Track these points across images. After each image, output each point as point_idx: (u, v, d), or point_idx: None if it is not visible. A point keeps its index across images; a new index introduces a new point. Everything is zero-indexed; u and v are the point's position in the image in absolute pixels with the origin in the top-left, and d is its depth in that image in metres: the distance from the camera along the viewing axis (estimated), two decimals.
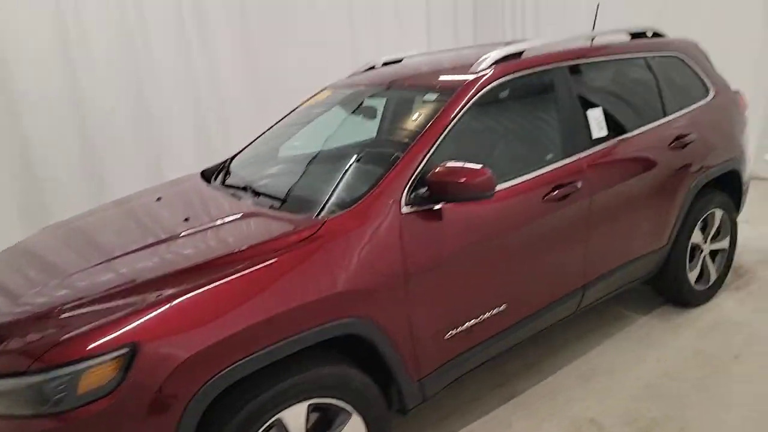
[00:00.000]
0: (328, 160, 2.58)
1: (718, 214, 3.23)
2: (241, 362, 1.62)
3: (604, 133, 2.66)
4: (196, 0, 4.78)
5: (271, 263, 1.73)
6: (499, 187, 2.18)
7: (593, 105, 2.67)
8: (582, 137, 2.59)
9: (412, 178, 2.03)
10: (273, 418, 1.72)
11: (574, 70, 2.68)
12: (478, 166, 1.92)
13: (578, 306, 2.70)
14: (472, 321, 2.20)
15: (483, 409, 2.53)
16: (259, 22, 5.10)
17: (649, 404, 2.47)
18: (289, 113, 3.13)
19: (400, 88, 2.69)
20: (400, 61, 3.24)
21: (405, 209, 1.98)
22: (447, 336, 2.13)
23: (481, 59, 2.41)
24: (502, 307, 2.30)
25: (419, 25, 6.38)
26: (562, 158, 2.51)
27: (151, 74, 4.59)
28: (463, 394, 2.64)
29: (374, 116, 2.92)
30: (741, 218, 3.46)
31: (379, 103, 2.93)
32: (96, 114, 4.35)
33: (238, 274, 1.67)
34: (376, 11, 5.88)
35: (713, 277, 3.31)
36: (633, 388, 2.59)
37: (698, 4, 5.29)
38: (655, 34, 3.16)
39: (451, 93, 2.25)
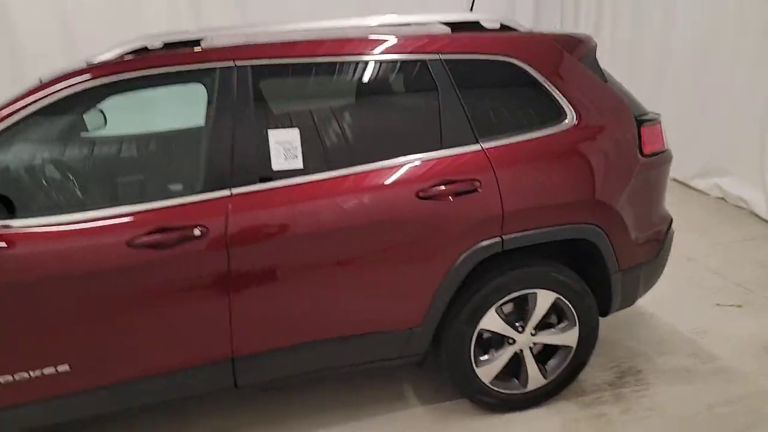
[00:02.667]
0: None
1: (545, 297, 2.18)
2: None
3: (296, 164, 1.92)
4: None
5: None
6: (59, 219, 1.77)
7: (285, 125, 2.00)
8: (246, 166, 1.91)
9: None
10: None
11: (267, 72, 2.02)
12: None
13: (234, 380, 2.02)
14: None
15: None
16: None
17: None
18: None
19: None
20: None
21: None
22: None
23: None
24: (62, 367, 1.82)
25: None
26: (187, 192, 1.95)
27: None
28: None
29: None
30: (732, 302, 2.99)
31: None
32: None
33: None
34: None
35: (537, 380, 2.29)
36: None
37: None
38: (504, 27, 2.27)
39: None
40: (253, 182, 1.89)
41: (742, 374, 2.49)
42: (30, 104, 1.77)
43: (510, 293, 2.15)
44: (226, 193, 1.86)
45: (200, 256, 1.82)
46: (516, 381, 2.32)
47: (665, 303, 2.98)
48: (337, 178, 1.96)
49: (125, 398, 1.95)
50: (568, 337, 2.29)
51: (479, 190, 2.02)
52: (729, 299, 3.08)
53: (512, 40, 2.20)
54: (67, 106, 1.88)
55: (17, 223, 1.74)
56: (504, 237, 2.07)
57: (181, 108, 2.24)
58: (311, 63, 2.05)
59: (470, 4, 2.90)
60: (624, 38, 5.44)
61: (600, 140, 2.21)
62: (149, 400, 2.01)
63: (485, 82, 2.19)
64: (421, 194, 1.97)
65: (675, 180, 4.71)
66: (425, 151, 2.04)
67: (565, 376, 2.36)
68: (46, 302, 1.76)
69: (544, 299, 2.21)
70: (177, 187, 2.00)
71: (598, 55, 2.34)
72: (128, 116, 2.22)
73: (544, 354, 2.34)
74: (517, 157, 2.10)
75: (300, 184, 1.92)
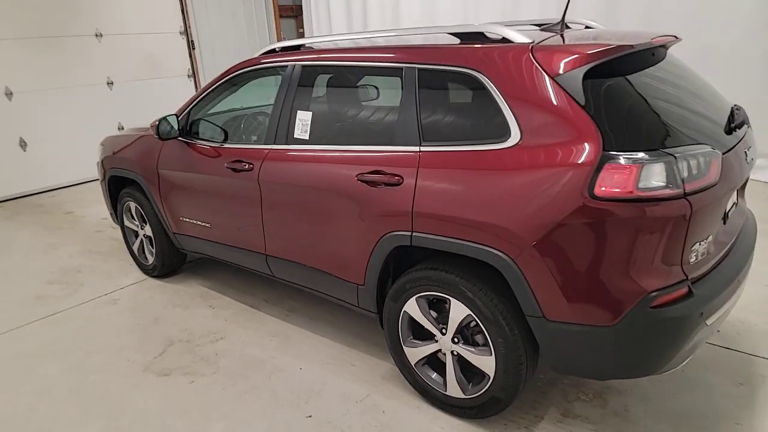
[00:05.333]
0: None
1: (458, 308, 2.19)
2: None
3: (305, 136, 2.70)
4: None
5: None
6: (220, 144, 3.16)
7: (311, 107, 2.75)
8: (283, 132, 2.79)
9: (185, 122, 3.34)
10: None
11: (319, 70, 2.78)
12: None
13: (269, 270, 3.07)
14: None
15: None
16: None
17: None
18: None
19: None
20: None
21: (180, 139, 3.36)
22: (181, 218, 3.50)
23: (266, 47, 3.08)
24: (207, 224, 3.32)
25: None
26: (259, 142, 2.95)
27: None
28: None
29: None
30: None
31: None
32: None
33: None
34: None
35: (456, 390, 2.32)
36: None
37: None
38: (471, 35, 2.27)
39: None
40: (282, 143, 2.79)
41: None
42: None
43: (427, 289, 2.28)
44: (268, 146, 2.84)
45: (251, 183, 2.88)
46: (438, 377, 2.41)
47: None
48: (322, 150, 2.61)
49: (230, 255, 3.32)
50: (483, 362, 2.20)
51: (401, 186, 2.25)
52: None
53: (480, 53, 2.14)
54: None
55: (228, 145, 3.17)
56: (413, 233, 2.24)
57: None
58: (332, 65, 2.69)
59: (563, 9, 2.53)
60: None
61: (535, 166, 1.94)
62: (235, 262, 3.33)
63: (446, 92, 2.27)
64: (359, 177, 2.40)
65: None
66: (380, 144, 2.39)
67: (483, 404, 2.26)
68: (201, 183, 3.24)
69: (457, 310, 2.22)
70: (253, 137, 3.29)
71: None
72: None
73: (470, 371, 2.30)
74: (443, 164, 2.17)
75: (303, 150, 2.70)
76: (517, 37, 2.14)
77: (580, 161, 1.84)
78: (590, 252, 1.87)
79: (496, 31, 2.20)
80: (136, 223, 3.96)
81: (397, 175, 2.28)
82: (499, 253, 2.01)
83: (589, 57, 1.94)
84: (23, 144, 6.57)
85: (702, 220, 1.88)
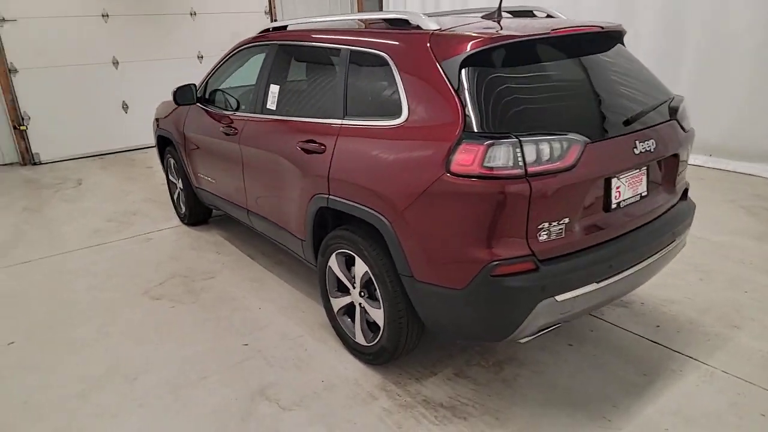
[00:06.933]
0: None
1: (360, 265, 2.51)
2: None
3: (273, 107, 3.11)
4: None
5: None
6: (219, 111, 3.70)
7: (280, 82, 3.13)
8: (259, 103, 3.22)
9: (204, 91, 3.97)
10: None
11: (288, 49, 3.15)
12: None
13: (250, 222, 3.55)
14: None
15: None
16: None
17: None
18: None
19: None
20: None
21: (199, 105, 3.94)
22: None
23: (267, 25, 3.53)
24: (213, 180, 3.91)
25: None
26: (242, 110, 3.44)
27: None
28: None
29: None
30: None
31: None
32: None
33: None
34: None
35: (361, 338, 2.66)
36: None
37: None
38: (398, 21, 2.48)
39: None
40: (256, 112, 3.23)
41: None
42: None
43: (341, 247, 2.60)
44: (249, 114, 3.29)
45: (234, 144, 3.38)
46: (351, 326, 2.72)
47: None
48: (280, 120, 3.00)
49: (228, 209, 3.84)
50: (377, 314, 2.49)
51: (323, 154, 2.58)
52: None
53: (392, 38, 2.39)
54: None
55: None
56: (329, 197, 2.56)
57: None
58: (294, 45, 3.08)
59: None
60: None
61: (409, 142, 2.18)
62: (231, 214, 3.85)
63: (366, 72, 2.51)
64: (298, 145, 2.76)
65: None
66: (317, 117, 2.72)
67: (376, 352, 2.55)
68: (208, 143, 3.81)
69: (360, 267, 2.51)
70: (242, 105, 3.53)
71: None
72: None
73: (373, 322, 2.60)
74: (354, 136, 2.46)
75: (270, 120, 3.10)
76: (427, 24, 2.34)
77: (441, 141, 2.06)
78: (445, 221, 2.08)
79: (413, 19, 2.42)
80: (175, 176, 4.65)
81: (323, 144, 2.61)
82: (381, 217, 2.28)
83: (469, 45, 2.11)
84: (125, 107, 7.69)
85: (551, 201, 2.00)
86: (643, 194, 2.33)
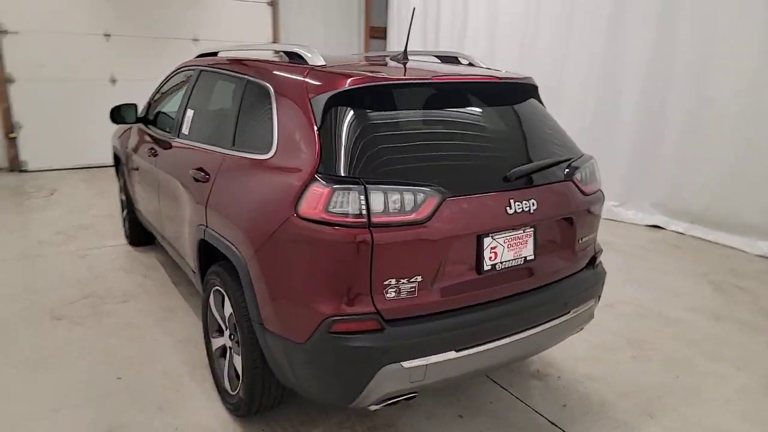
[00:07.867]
0: None
1: (227, 300, 2.33)
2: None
3: (186, 132, 3.04)
4: None
5: None
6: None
7: (194, 107, 3.07)
8: (177, 127, 3.13)
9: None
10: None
11: (206, 75, 3.07)
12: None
13: (166, 248, 3.51)
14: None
15: None
16: None
17: None
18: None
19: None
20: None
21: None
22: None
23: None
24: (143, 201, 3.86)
25: None
26: (164, 133, 3.34)
27: None
28: None
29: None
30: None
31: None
32: None
33: None
34: None
35: (229, 384, 2.44)
36: None
37: None
38: (293, 55, 2.36)
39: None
40: (173, 135, 3.14)
41: None
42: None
43: (216, 284, 2.42)
44: (167, 137, 3.21)
45: (152, 168, 3.33)
46: (224, 368, 2.51)
47: None
48: (186, 145, 2.91)
49: (154, 231, 3.77)
50: (237, 361, 2.28)
51: (207, 183, 2.45)
52: None
53: (276, 70, 2.32)
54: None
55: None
56: (206, 228, 2.41)
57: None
58: (209, 72, 3.01)
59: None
60: None
61: (271, 178, 2.04)
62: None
63: (255, 103, 2.38)
64: (191, 172, 2.64)
65: None
66: (212, 145, 2.60)
67: (236, 402, 2.34)
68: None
69: (227, 307, 2.33)
70: (167, 128, 3.38)
71: None
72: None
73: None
74: (232, 168, 2.34)
75: (181, 144, 3.00)
76: (314, 60, 2.23)
77: (294, 181, 1.91)
78: (290, 266, 1.91)
79: (305, 53, 2.30)
80: (123, 195, 4.59)
81: (208, 174, 2.48)
82: (239, 255, 2.11)
83: (336, 83, 1.98)
84: None
85: (399, 255, 1.81)
86: (528, 258, 2.11)
